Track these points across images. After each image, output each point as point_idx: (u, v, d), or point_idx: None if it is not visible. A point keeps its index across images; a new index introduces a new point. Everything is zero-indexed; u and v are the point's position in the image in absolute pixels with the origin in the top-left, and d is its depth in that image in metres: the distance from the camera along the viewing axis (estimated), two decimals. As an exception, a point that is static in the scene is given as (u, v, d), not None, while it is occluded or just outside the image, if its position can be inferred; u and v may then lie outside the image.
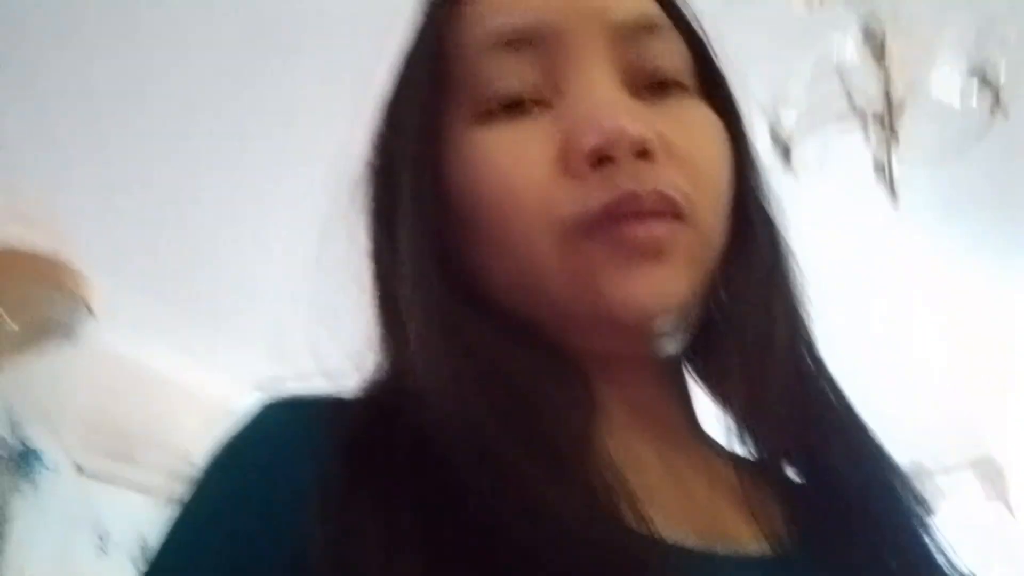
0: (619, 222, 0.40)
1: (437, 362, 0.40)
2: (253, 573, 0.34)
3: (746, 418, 0.46)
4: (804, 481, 0.46)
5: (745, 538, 0.41)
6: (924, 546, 0.45)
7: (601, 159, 0.40)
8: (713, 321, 0.45)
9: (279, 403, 0.41)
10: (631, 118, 0.41)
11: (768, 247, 0.48)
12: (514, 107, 0.43)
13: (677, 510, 0.41)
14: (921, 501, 0.45)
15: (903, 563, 0.42)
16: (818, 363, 0.47)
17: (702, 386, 0.49)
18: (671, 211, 0.41)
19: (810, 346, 0.48)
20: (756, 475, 0.44)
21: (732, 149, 0.46)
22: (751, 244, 0.46)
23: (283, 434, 0.39)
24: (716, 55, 0.49)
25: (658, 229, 0.40)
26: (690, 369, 0.49)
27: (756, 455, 0.45)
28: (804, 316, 0.48)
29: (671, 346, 0.45)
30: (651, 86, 0.44)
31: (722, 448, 0.47)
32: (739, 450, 0.46)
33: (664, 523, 0.37)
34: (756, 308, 0.45)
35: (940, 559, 0.44)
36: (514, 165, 0.42)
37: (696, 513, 0.42)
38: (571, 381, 0.41)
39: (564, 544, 0.34)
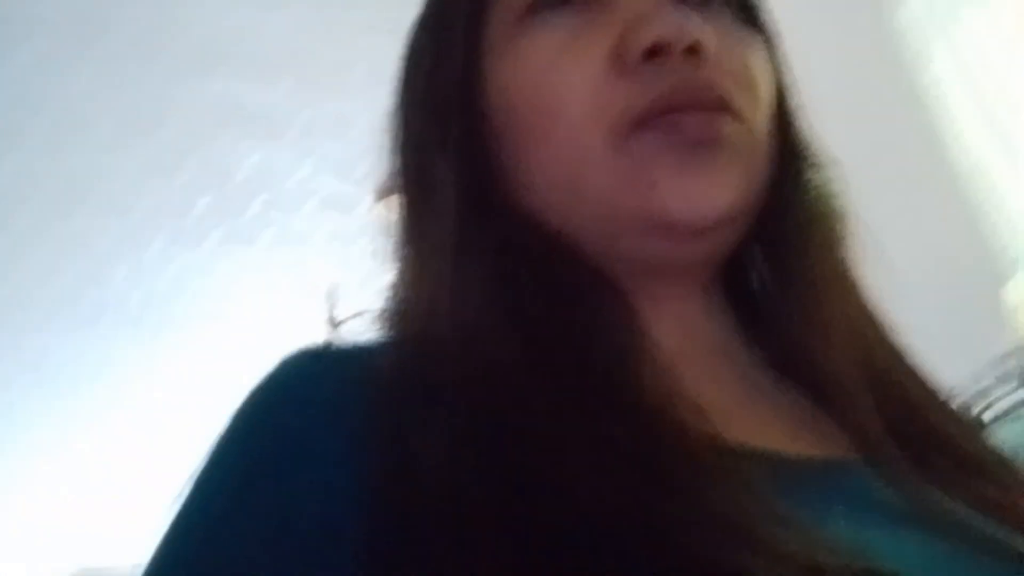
0: (670, 116, 0.39)
1: (464, 306, 0.39)
2: (294, 534, 0.32)
3: (798, 338, 0.44)
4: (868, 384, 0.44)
5: (820, 449, 0.41)
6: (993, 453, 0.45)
7: (654, 54, 0.40)
8: (759, 241, 0.45)
9: (302, 355, 0.38)
10: (681, 19, 0.40)
11: (812, 172, 0.47)
12: (559, 2, 0.42)
13: (745, 420, 0.40)
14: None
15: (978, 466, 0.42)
16: (865, 295, 0.47)
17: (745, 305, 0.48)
18: (721, 103, 0.40)
19: (856, 277, 0.47)
20: (814, 390, 0.44)
21: (773, 70, 0.46)
22: (797, 165, 0.46)
23: (309, 386, 0.36)
24: None
25: (715, 123, 0.40)
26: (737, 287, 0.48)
27: (811, 374, 0.44)
28: (849, 241, 0.47)
29: (719, 256, 0.44)
30: (690, 1, 0.44)
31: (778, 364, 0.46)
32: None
33: (736, 432, 0.36)
34: (804, 230, 0.45)
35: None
36: (561, 60, 0.41)
37: (767, 421, 0.41)
38: (612, 307, 0.40)
39: (629, 467, 0.32)
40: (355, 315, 0.43)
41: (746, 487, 0.33)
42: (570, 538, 0.30)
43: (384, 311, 0.42)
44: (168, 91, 2.20)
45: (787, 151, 0.46)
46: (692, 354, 0.42)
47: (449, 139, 0.43)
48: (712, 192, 0.40)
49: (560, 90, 0.41)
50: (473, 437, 0.32)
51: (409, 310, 0.42)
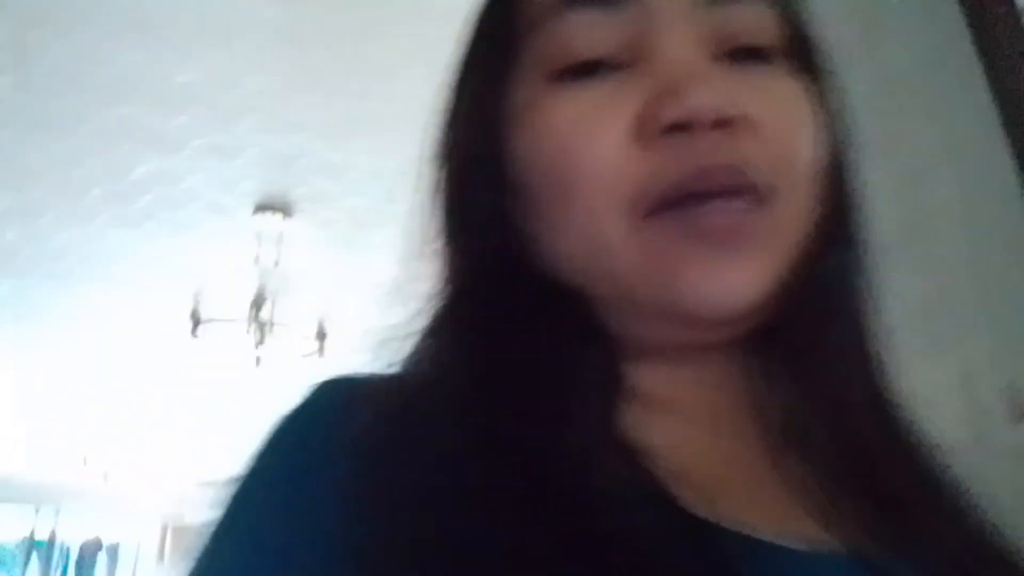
0: (692, 204, 0.37)
1: (452, 345, 0.40)
2: (317, 552, 0.32)
3: (815, 407, 0.43)
4: (868, 481, 0.42)
5: (813, 532, 0.38)
6: (991, 538, 0.42)
7: (680, 128, 0.37)
8: (794, 304, 0.41)
9: (332, 381, 0.39)
10: (714, 88, 0.38)
11: (856, 238, 0.44)
12: (587, 69, 0.40)
13: (733, 497, 0.37)
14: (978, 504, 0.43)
15: (975, 556, 0.40)
16: (886, 378, 0.45)
17: (773, 367, 0.45)
18: (747, 188, 0.38)
19: (878, 354, 0.45)
20: (831, 468, 0.41)
21: (823, 125, 0.42)
22: (841, 231, 0.43)
23: (334, 410, 0.37)
24: (809, 24, 0.45)
25: (734, 214, 0.37)
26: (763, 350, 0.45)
27: (826, 448, 0.42)
28: (874, 319, 0.45)
29: (740, 334, 0.41)
30: (736, 53, 0.41)
31: (804, 438, 0.43)
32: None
33: (716, 508, 0.35)
34: (841, 296, 0.43)
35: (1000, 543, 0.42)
36: (583, 131, 0.39)
37: (759, 502, 0.39)
38: (595, 362, 0.39)
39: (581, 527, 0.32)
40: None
41: (706, 564, 0.32)
42: None
43: (412, 345, 0.42)
44: (87, 112, 2.70)
45: (830, 222, 0.42)
46: (701, 420, 0.41)
47: (477, 203, 0.43)
48: (736, 287, 0.37)
49: (580, 162, 0.39)
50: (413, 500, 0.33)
51: (420, 352, 0.42)
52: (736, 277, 0.38)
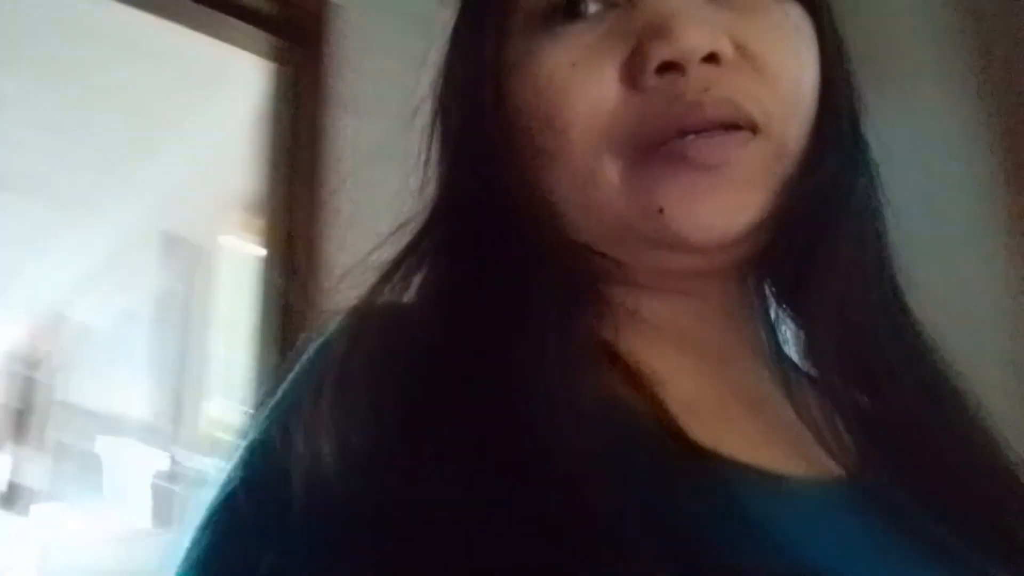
0: (683, 138, 0.38)
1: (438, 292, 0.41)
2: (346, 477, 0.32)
3: (813, 334, 0.44)
4: (872, 405, 0.43)
5: (809, 460, 0.39)
6: (988, 468, 0.43)
7: (668, 68, 0.38)
8: (787, 232, 0.42)
9: (364, 310, 0.41)
10: (703, 26, 0.38)
11: (851, 161, 0.44)
12: (579, 12, 0.41)
13: (725, 427, 0.39)
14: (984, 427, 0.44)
15: (971, 486, 0.41)
16: (894, 289, 0.45)
17: (773, 299, 0.46)
18: (740, 121, 0.38)
19: (885, 269, 0.45)
20: (823, 397, 0.42)
21: (820, 52, 0.42)
22: (833, 156, 0.42)
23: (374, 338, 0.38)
24: None
25: (725, 146, 0.38)
26: (763, 283, 0.47)
27: (821, 375, 0.43)
28: (881, 234, 0.45)
29: (738, 260, 0.42)
30: None
31: (796, 369, 0.45)
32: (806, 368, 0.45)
33: (712, 434, 0.36)
34: (831, 221, 0.43)
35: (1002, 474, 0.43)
36: (577, 76, 0.40)
37: (748, 432, 0.40)
38: (577, 284, 0.40)
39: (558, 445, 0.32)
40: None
41: (708, 493, 0.33)
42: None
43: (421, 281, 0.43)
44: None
45: (827, 141, 0.42)
46: (691, 350, 0.42)
47: (474, 143, 0.43)
48: (725, 216, 0.38)
49: (575, 107, 0.39)
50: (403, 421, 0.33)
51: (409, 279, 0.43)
52: (725, 205, 0.39)
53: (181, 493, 2.56)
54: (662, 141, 0.39)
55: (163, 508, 2.68)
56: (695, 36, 0.38)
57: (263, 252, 1.57)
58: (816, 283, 0.43)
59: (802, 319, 0.45)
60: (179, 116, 2.59)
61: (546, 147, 0.41)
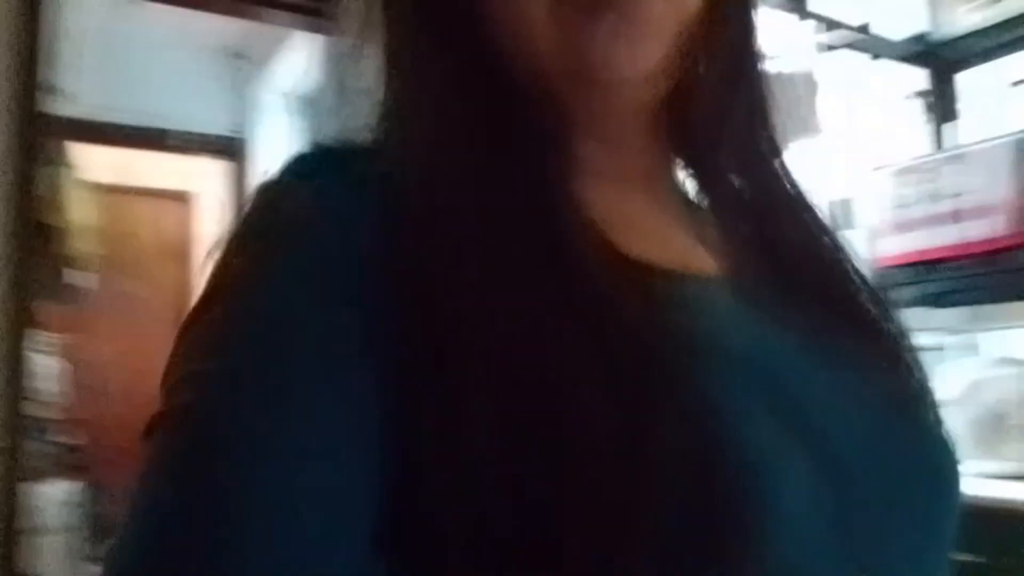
0: None
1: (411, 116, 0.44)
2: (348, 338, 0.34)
3: (700, 156, 0.50)
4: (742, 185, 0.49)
5: (707, 265, 0.45)
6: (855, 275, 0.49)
7: None
8: (687, 78, 0.46)
9: (313, 152, 0.42)
10: None
11: (742, 20, 0.48)
12: None
13: (653, 239, 0.45)
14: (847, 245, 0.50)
15: (822, 259, 0.48)
16: (772, 131, 0.49)
17: (674, 137, 0.50)
18: None
19: (768, 117, 0.49)
20: (707, 214, 0.49)
21: None
22: (726, 12, 0.46)
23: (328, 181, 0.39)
24: None
25: None
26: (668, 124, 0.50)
27: (707, 197, 0.50)
28: (764, 83, 0.49)
29: (650, 100, 0.46)
30: None
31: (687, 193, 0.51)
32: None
33: (642, 249, 0.41)
34: (725, 70, 0.47)
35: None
36: None
37: (670, 243, 0.46)
38: (543, 131, 0.43)
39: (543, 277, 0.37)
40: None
41: (644, 298, 0.38)
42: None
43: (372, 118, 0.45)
44: None
45: None
46: (627, 181, 0.47)
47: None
48: (639, 55, 0.42)
49: None
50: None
51: (390, 121, 0.45)
52: (640, 43, 0.42)
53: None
54: None
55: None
56: None
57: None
58: (722, 116, 0.48)
59: (692, 140, 0.50)
60: None
61: None
